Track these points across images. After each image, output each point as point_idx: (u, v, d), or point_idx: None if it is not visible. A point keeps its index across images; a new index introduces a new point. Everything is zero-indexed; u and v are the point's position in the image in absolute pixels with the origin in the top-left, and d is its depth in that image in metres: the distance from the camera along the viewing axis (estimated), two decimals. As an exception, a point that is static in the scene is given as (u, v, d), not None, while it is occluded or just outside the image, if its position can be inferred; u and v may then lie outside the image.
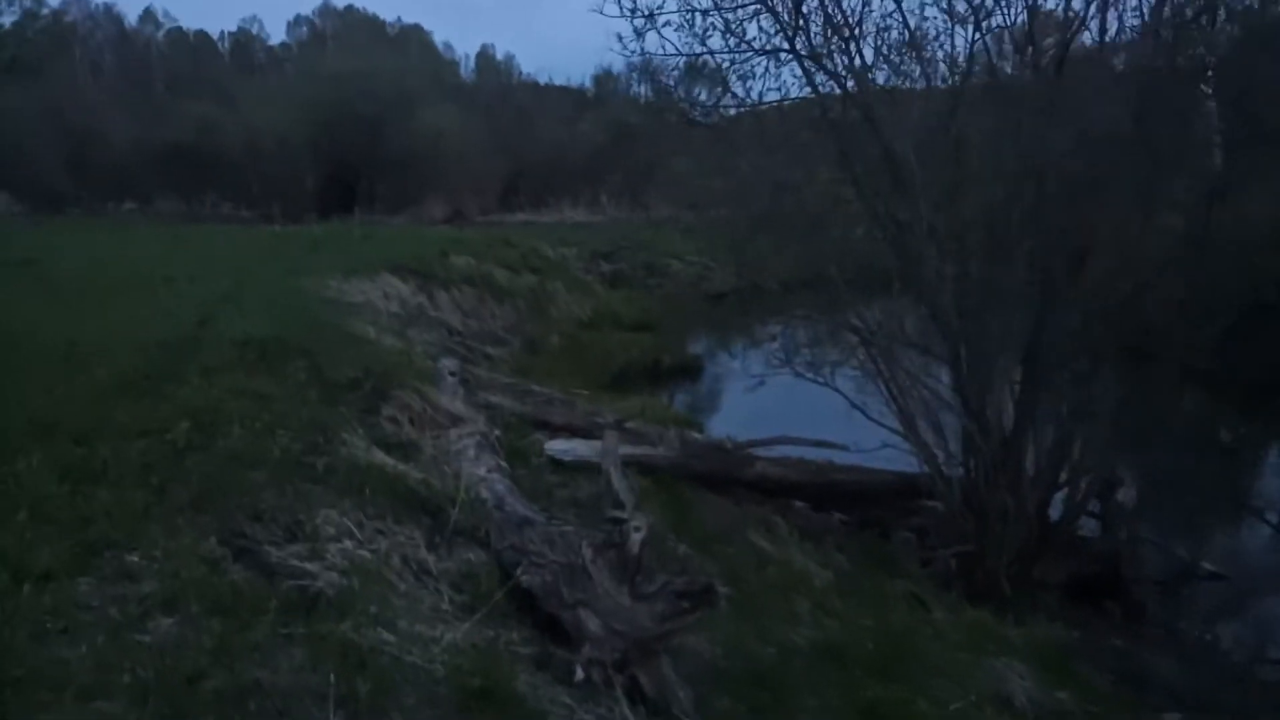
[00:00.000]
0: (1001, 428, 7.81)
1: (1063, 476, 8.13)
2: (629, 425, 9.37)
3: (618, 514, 4.47)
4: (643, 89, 45.11)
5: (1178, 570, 8.60)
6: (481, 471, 6.31)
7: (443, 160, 34.60)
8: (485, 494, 5.92)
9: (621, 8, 8.33)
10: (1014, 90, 7.61)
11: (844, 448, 8.94)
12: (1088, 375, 7.71)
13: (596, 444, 8.37)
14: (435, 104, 38.09)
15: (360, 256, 17.28)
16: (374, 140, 33.17)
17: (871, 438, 10.80)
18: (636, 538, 4.33)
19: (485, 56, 62.93)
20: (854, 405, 9.23)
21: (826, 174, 9.78)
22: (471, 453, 6.87)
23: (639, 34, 8.51)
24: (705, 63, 9.41)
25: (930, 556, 8.03)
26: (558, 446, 8.10)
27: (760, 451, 9.26)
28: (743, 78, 8.58)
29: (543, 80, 48.03)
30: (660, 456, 8.40)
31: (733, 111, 9.67)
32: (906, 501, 9.30)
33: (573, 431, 9.11)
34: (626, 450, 8.34)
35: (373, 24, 66.22)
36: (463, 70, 57.96)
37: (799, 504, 9.30)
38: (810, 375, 9.57)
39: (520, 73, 52.51)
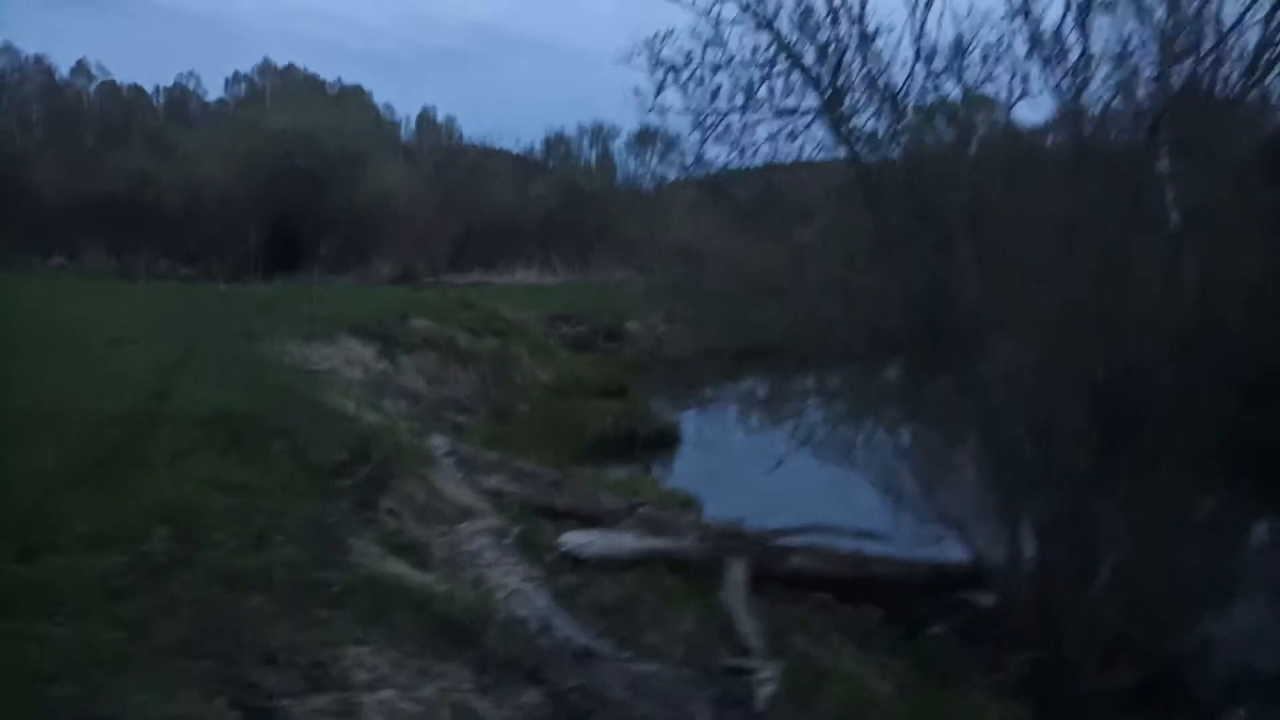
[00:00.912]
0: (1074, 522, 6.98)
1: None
2: (643, 511, 8.44)
3: (744, 663, 3.51)
4: (594, 153, 45.11)
5: (1244, 674, 7.82)
6: (512, 580, 5.31)
7: (391, 219, 33.54)
8: (523, 611, 4.92)
9: (653, 61, 7.54)
10: (1089, 154, 6.88)
11: (887, 538, 8.10)
12: (1162, 465, 6.94)
13: (619, 536, 7.45)
14: (382, 163, 37.11)
15: (316, 318, 16.16)
16: (320, 198, 32.02)
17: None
18: (765, 692, 3.38)
19: (426, 118, 62.18)
20: (884, 490, 8.42)
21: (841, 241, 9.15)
22: (490, 553, 5.87)
23: (660, 88, 7.71)
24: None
25: (995, 663, 7.11)
26: (575, 539, 7.11)
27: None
28: (788, 135, 7.78)
29: (486, 143, 47.26)
30: (690, 549, 7.43)
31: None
32: (943, 594, 8.47)
33: (581, 518, 8.15)
34: (650, 543, 7.42)
35: (312, 83, 65.20)
36: (404, 132, 57.01)
37: (824, 597, 8.42)
38: (835, 460, 8.71)
39: (461, 135, 51.63)
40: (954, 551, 8.30)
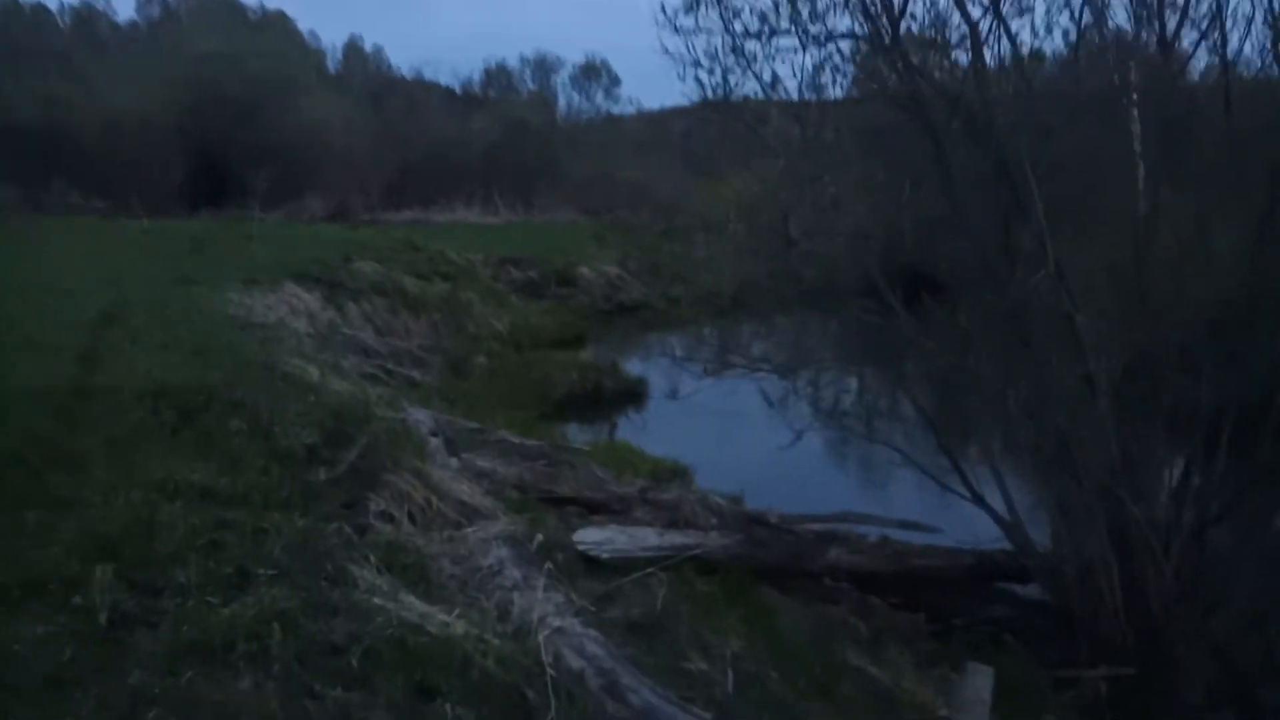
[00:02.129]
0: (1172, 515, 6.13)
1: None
2: (650, 496, 7.42)
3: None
4: (535, 86, 43.24)
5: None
6: (550, 612, 4.26)
7: (324, 152, 31.50)
8: (575, 661, 3.89)
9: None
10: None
11: (935, 529, 7.23)
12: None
13: (639, 532, 6.44)
14: (314, 92, 34.89)
15: (254, 261, 14.74)
16: (248, 128, 29.76)
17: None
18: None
19: (354, 47, 59.44)
20: (923, 470, 7.55)
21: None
22: (512, 570, 4.81)
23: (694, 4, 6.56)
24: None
25: (1067, 677, 6.28)
26: (591, 537, 6.09)
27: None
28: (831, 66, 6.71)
29: (416, 74, 44.96)
30: (719, 546, 6.45)
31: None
32: (983, 586, 7.65)
33: (589, 506, 7.14)
34: (675, 540, 6.45)
35: (232, 6, 61.96)
36: (330, 61, 54.30)
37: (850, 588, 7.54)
38: (866, 435, 7.83)
39: (389, 65, 49.09)
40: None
